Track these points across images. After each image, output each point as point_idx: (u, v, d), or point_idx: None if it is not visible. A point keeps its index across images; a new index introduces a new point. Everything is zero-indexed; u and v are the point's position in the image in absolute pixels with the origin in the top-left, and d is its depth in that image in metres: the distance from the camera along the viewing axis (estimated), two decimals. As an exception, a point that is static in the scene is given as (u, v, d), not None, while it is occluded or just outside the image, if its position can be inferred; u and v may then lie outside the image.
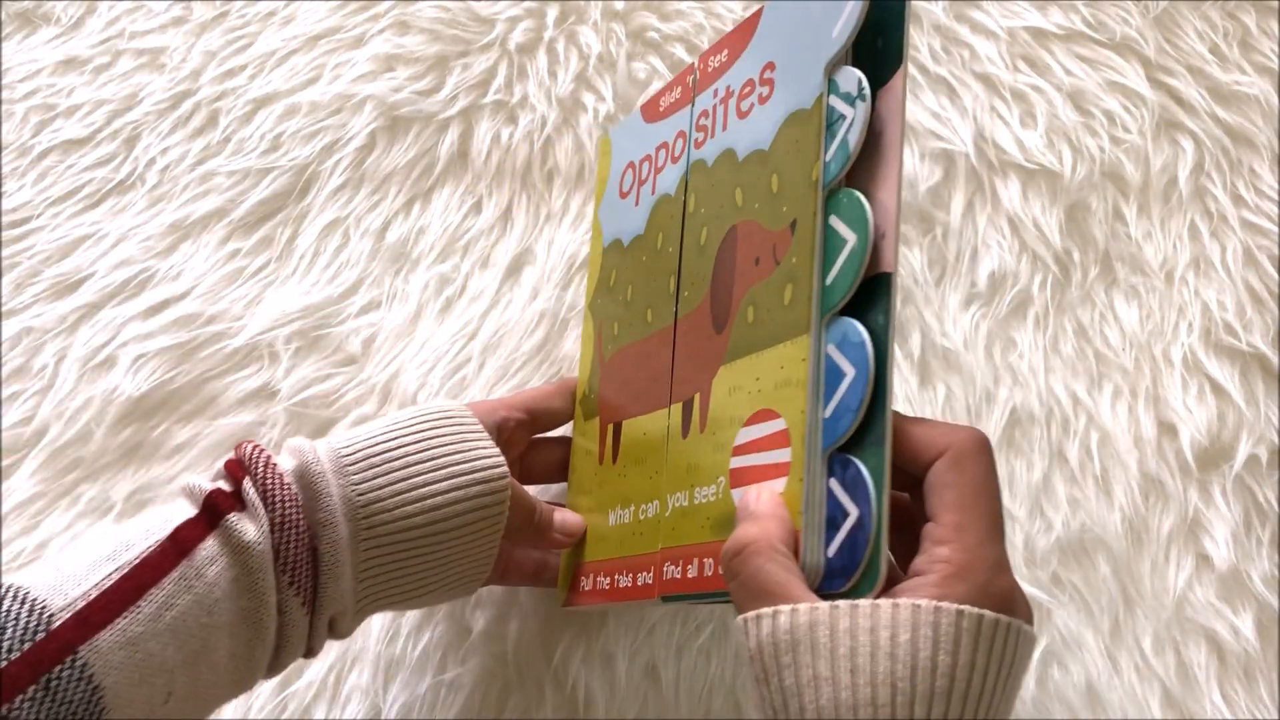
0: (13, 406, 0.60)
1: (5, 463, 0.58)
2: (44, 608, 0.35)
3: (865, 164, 0.37)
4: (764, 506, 0.37)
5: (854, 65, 0.38)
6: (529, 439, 0.53)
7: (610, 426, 0.50)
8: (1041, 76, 0.68)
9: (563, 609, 0.51)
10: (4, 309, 0.62)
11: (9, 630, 0.34)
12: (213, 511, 0.40)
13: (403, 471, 0.43)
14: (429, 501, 0.43)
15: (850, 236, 0.36)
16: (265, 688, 0.54)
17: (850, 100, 0.37)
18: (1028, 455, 0.59)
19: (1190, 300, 0.63)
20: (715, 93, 0.46)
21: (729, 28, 0.70)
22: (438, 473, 0.44)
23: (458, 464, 0.44)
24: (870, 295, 0.36)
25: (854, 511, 0.34)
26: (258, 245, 0.64)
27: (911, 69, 0.69)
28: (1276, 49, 0.70)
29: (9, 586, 0.35)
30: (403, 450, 0.44)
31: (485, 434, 0.46)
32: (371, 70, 0.68)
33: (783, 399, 0.37)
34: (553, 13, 0.70)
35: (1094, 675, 0.55)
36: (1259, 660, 0.55)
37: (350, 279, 0.63)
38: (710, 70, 0.47)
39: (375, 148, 0.67)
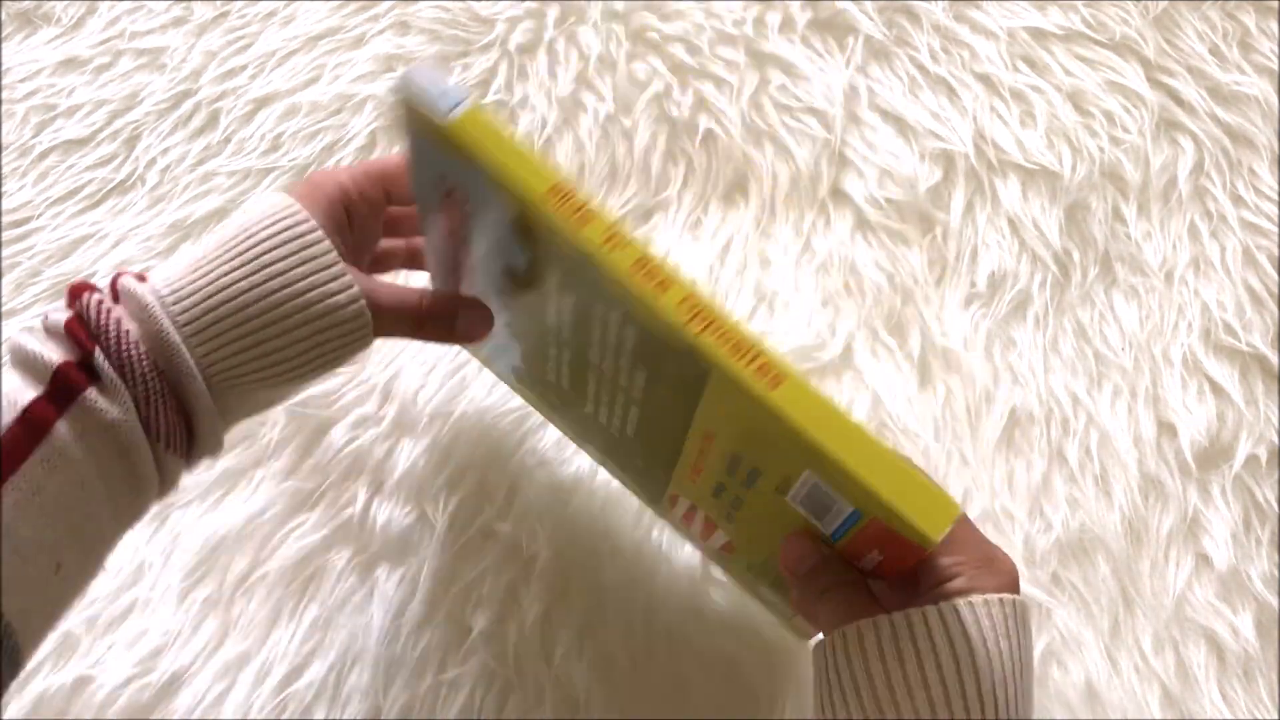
0: (13, 406, 0.60)
1: (6, 463, 0.58)
2: None
3: None
4: None
5: None
6: (380, 226, 0.47)
7: None
8: (1041, 76, 0.68)
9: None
10: (4, 309, 0.62)
11: None
12: (65, 389, 0.37)
13: (251, 338, 0.39)
14: (286, 365, 0.40)
15: None
16: (266, 687, 0.54)
17: None
18: (1027, 455, 0.59)
19: (1190, 300, 0.63)
20: None
21: (729, 28, 0.70)
22: (291, 333, 0.40)
23: (307, 309, 0.40)
24: None
25: None
26: (258, 245, 0.64)
27: (911, 69, 0.69)
28: (1276, 49, 0.70)
29: None
30: (245, 304, 0.39)
31: (332, 255, 0.41)
32: (372, 70, 0.69)
33: None
34: (553, 13, 0.70)
35: (1094, 675, 0.55)
36: (1259, 660, 0.55)
37: (350, 279, 0.63)
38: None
39: (376, 148, 0.67)
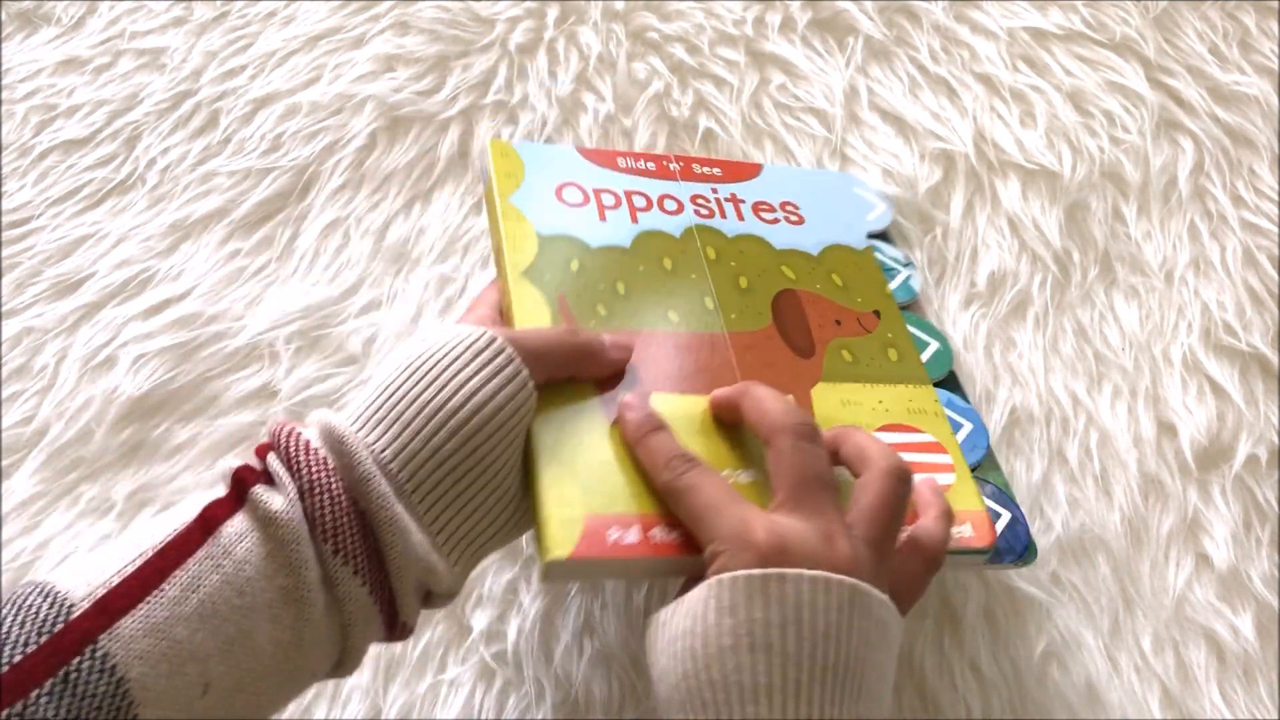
0: (13, 406, 0.60)
1: (5, 463, 0.58)
2: (65, 599, 0.33)
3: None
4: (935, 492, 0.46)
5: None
6: None
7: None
8: (1041, 76, 0.68)
9: (565, 561, 0.41)
10: (4, 309, 0.62)
11: (28, 623, 0.32)
12: (239, 487, 0.37)
13: (411, 408, 0.40)
14: (450, 422, 0.40)
15: (932, 342, 0.56)
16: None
17: (898, 264, 0.58)
18: (1028, 455, 0.59)
19: (1190, 300, 0.63)
20: (715, 190, 0.58)
21: (729, 28, 0.70)
22: (444, 388, 0.40)
23: (452, 364, 0.41)
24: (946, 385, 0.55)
25: (1005, 513, 0.50)
26: (258, 245, 0.64)
27: (911, 69, 0.69)
28: (1276, 49, 0.70)
29: (37, 582, 0.34)
30: (401, 391, 0.41)
31: (520, 373, 0.42)
32: (372, 70, 0.69)
33: (923, 422, 0.51)
34: (553, 13, 0.70)
35: (1094, 675, 0.55)
36: (1259, 660, 0.55)
37: (351, 279, 0.63)
38: (698, 172, 0.59)
39: (376, 148, 0.67)
